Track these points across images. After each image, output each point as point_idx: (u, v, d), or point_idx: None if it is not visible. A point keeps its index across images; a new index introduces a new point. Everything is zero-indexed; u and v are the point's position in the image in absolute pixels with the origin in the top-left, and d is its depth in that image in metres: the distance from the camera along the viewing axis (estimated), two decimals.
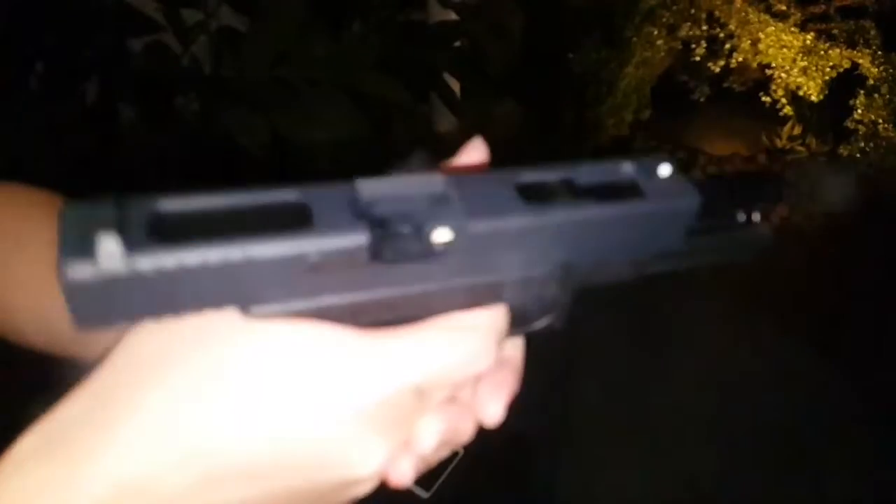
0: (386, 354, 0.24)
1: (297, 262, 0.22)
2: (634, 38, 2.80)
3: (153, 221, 0.21)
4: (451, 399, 0.28)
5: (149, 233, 0.21)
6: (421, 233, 0.23)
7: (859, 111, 2.79)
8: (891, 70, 2.75)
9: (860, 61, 2.75)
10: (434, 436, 0.27)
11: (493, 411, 0.29)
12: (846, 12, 2.83)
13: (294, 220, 0.22)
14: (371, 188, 0.23)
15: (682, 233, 0.28)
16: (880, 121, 2.77)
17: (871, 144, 2.79)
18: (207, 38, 1.27)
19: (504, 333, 0.27)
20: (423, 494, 0.40)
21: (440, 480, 0.39)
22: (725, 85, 2.93)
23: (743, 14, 2.76)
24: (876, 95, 2.76)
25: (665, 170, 0.27)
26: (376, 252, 0.22)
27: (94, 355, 0.32)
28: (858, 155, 2.81)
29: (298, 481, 0.25)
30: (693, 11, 2.79)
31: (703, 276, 1.89)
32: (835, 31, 2.82)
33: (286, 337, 0.24)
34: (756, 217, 0.30)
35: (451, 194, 0.24)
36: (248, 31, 1.25)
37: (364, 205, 0.23)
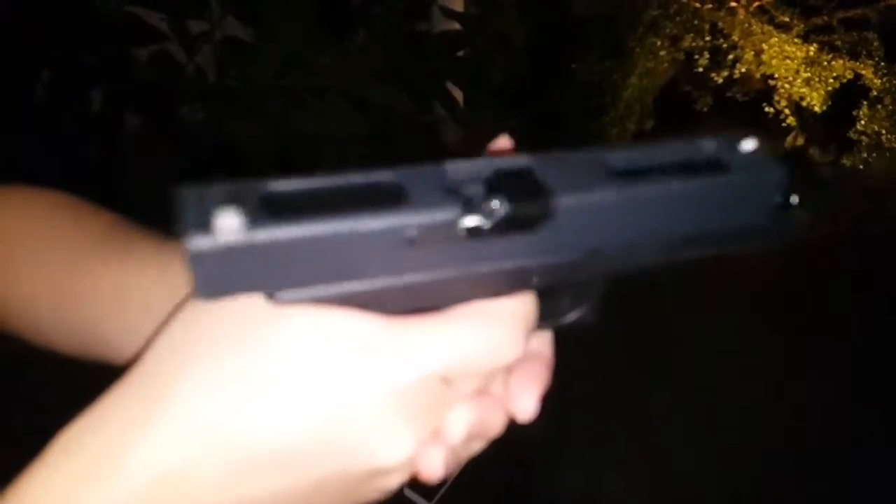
0: (411, 341, 0.25)
1: (395, 235, 0.23)
2: (637, 49, 2.81)
3: (264, 200, 0.23)
4: (482, 391, 0.28)
5: (262, 209, 0.22)
6: (512, 207, 0.24)
7: (862, 122, 2.79)
8: (894, 81, 2.75)
9: (863, 72, 2.76)
10: (463, 426, 0.27)
11: (526, 404, 0.28)
12: (849, 24, 2.84)
13: (390, 198, 0.23)
14: (460, 167, 0.24)
15: (769, 208, 0.28)
16: (883, 131, 2.77)
17: (874, 155, 2.79)
18: (212, 47, 1.27)
19: (533, 323, 0.27)
20: None
21: (442, 491, 0.39)
22: (728, 95, 2.93)
23: (746, 25, 2.77)
24: (879, 106, 2.77)
25: (749, 144, 0.27)
26: (473, 228, 0.24)
27: (120, 357, 0.33)
28: (861, 166, 2.81)
29: (327, 470, 0.25)
30: (696, 22, 2.80)
31: (704, 278, 1.89)
32: (838, 43, 2.82)
33: (311, 324, 0.24)
34: (794, 199, 0.30)
35: (539, 171, 0.25)
36: (253, 41, 1.26)
37: (454, 183, 0.24)
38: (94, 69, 1.16)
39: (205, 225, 0.21)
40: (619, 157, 0.26)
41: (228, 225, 0.21)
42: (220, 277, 0.22)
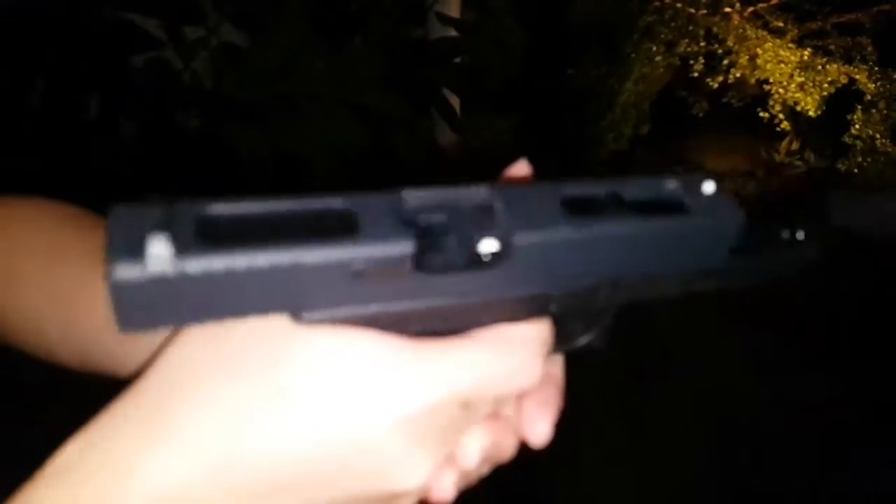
0: (432, 364, 0.24)
1: (343, 268, 0.22)
2: (633, 55, 2.82)
3: (202, 225, 0.21)
4: (495, 415, 0.28)
5: (197, 236, 0.20)
6: (467, 244, 0.23)
7: (857, 126, 2.80)
8: (888, 85, 2.77)
9: (857, 77, 2.77)
10: (478, 451, 0.27)
11: (541, 430, 0.28)
12: (843, 29, 2.85)
13: (340, 228, 0.22)
14: (417, 197, 0.23)
15: (726, 250, 0.27)
16: (878, 136, 2.78)
17: (869, 159, 2.81)
18: (208, 54, 1.27)
19: (550, 348, 0.27)
20: None
21: None
22: (724, 100, 2.95)
23: (741, 30, 2.79)
24: (873, 111, 2.78)
25: (709, 187, 0.27)
26: (421, 262, 0.22)
27: (126, 371, 0.32)
28: (856, 170, 2.82)
29: (341, 493, 0.24)
30: (691, 28, 2.82)
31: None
32: (832, 48, 2.84)
33: (330, 345, 0.23)
34: (800, 235, 0.30)
35: (497, 206, 0.24)
36: (249, 47, 1.26)
37: (410, 214, 0.23)
38: (90, 76, 1.16)
39: (131, 252, 0.19)
40: (579, 191, 0.26)
41: (157, 253, 0.19)
42: (144, 309, 0.20)
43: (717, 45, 2.84)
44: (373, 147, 1.23)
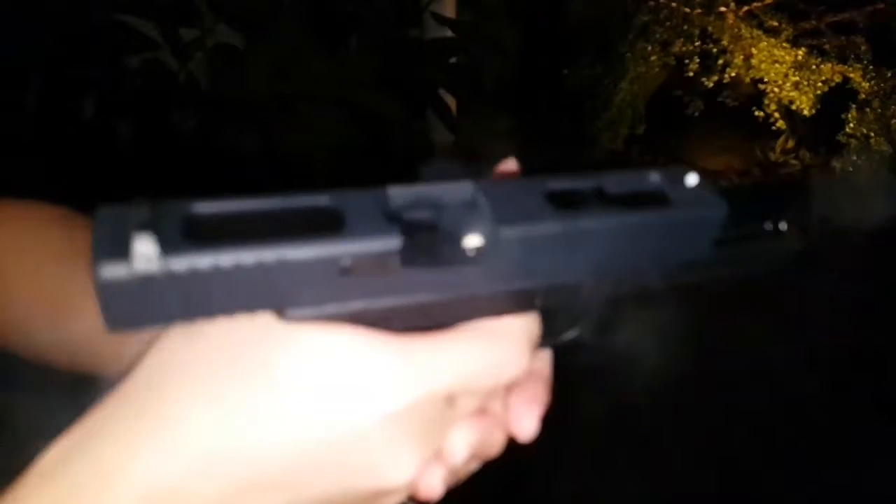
0: (417, 359, 0.24)
1: (329, 265, 0.22)
2: (628, 54, 2.82)
3: (187, 224, 0.21)
4: (482, 411, 0.28)
5: (183, 235, 0.21)
6: (452, 238, 0.23)
7: (851, 125, 2.81)
8: (882, 84, 2.78)
9: (851, 76, 2.78)
10: (465, 447, 0.27)
11: (528, 425, 0.28)
12: (837, 28, 2.86)
13: (327, 224, 0.22)
14: (402, 194, 0.23)
15: (710, 242, 0.28)
16: (872, 134, 2.79)
17: (864, 157, 2.81)
18: (204, 55, 1.27)
19: (536, 342, 0.27)
20: None
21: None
22: (719, 100, 2.95)
23: (735, 30, 2.79)
24: (867, 109, 2.79)
25: (692, 179, 0.27)
26: (408, 257, 0.22)
27: (114, 370, 0.32)
28: (850, 168, 2.83)
29: (328, 490, 0.24)
30: (686, 27, 2.82)
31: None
32: (826, 47, 2.85)
33: (317, 342, 0.23)
34: (783, 227, 0.30)
35: (481, 201, 0.24)
36: (246, 47, 1.26)
37: (395, 210, 0.23)
38: (86, 77, 1.16)
39: (118, 251, 0.19)
40: (562, 186, 0.26)
41: (144, 252, 0.19)
42: (131, 308, 0.20)
43: (712, 45, 2.84)
44: (369, 147, 1.23)
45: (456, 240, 0.23)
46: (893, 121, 2.78)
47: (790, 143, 2.98)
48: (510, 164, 0.30)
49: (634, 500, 1.59)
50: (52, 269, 0.36)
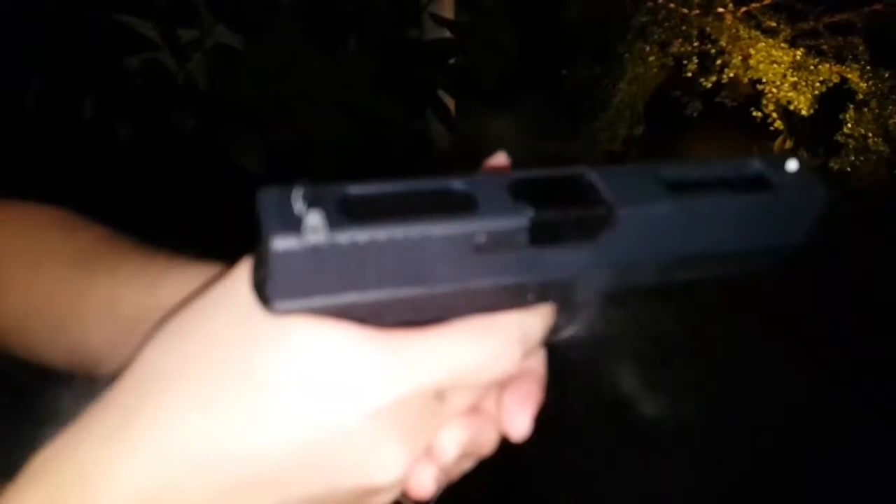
0: (405, 354, 0.24)
1: (465, 241, 0.24)
2: (627, 55, 2.82)
3: (343, 203, 0.23)
4: (474, 409, 0.28)
5: (342, 213, 0.22)
6: (580, 216, 0.25)
7: (849, 125, 2.81)
8: (879, 85, 2.78)
9: (849, 76, 2.78)
10: (456, 445, 0.27)
11: (520, 424, 0.28)
12: (835, 29, 2.87)
13: (461, 205, 0.24)
14: (526, 177, 0.25)
15: (807, 227, 0.29)
16: (870, 134, 2.79)
17: (862, 158, 2.82)
18: (203, 55, 1.27)
19: (533, 338, 0.27)
20: None
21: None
22: (717, 100, 2.95)
23: (734, 30, 2.80)
24: (865, 110, 2.79)
25: (793, 165, 0.28)
26: (538, 235, 0.24)
27: (110, 369, 0.32)
28: (849, 168, 2.83)
29: (317, 488, 0.24)
30: (684, 28, 2.82)
31: (696, 282, 1.89)
32: (824, 47, 2.85)
33: (303, 338, 0.23)
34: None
35: (599, 183, 0.26)
36: (244, 48, 1.26)
37: (520, 192, 0.25)
38: (85, 78, 1.16)
39: (289, 225, 0.21)
40: (672, 171, 0.27)
41: (314, 225, 0.21)
42: (299, 279, 0.22)
43: (710, 45, 2.84)
44: (368, 147, 1.23)
45: (583, 217, 0.25)
46: (891, 121, 2.78)
47: (788, 144, 2.98)
48: (500, 158, 0.30)
49: (634, 500, 1.59)
50: (50, 269, 0.36)
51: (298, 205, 0.22)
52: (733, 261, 0.29)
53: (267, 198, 0.22)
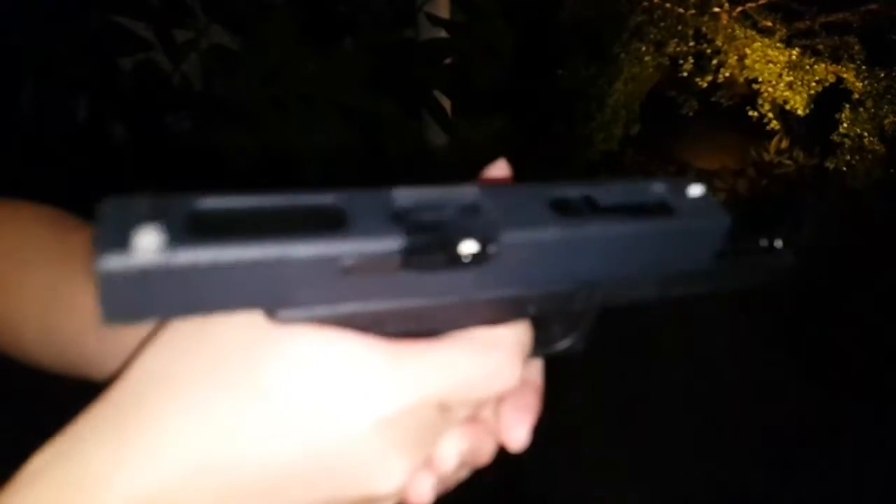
0: (408, 365, 0.24)
1: (330, 264, 0.21)
2: (623, 55, 2.83)
3: (190, 218, 0.21)
4: (473, 419, 0.28)
5: (186, 229, 0.20)
6: (454, 242, 0.23)
7: (845, 125, 2.82)
8: (875, 84, 2.79)
9: (845, 76, 2.79)
10: (456, 455, 0.27)
11: (519, 435, 0.28)
12: (831, 28, 2.87)
13: (329, 223, 0.22)
14: (407, 195, 0.23)
15: (710, 254, 0.28)
16: (865, 134, 2.81)
17: (857, 157, 2.83)
18: (198, 56, 1.27)
19: (528, 350, 0.27)
20: None
21: None
22: (713, 100, 2.96)
23: (729, 30, 2.80)
24: (861, 109, 2.80)
25: (696, 190, 0.27)
26: (409, 259, 0.22)
27: (103, 374, 0.32)
28: (844, 168, 2.84)
29: (316, 498, 0.24)
30: (680, 28, 2.83)
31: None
32: (820, 47, 2.86)
33: (306, 346, 0.23)
34: (778, 244, 0.30)
35: (485, 205, 0.24)
36: (239, 49, 1.25)
37: (400, 211, 0.23)
38: (80, 78, 1.16)
39: (119, 242, 0.19)
40: (566, 193, 0.26)
41: (146, 244, 0.19)
42: (130, 300, 0.20)
43: (706, 45, 2.85)
44: (363, 149, 1.23)
45: (458, 243, 0.23)
46: (887, 121, 2.79)
47: (784, 143, 2.99)
48: (501, 167, 0.30)
49: (634, 500, 1.59)
50: (40, 269, 0.36)
51: (135, 219, 0.20)
52: (638, 285, 0.28)
53: (106, 209, 0.20)
